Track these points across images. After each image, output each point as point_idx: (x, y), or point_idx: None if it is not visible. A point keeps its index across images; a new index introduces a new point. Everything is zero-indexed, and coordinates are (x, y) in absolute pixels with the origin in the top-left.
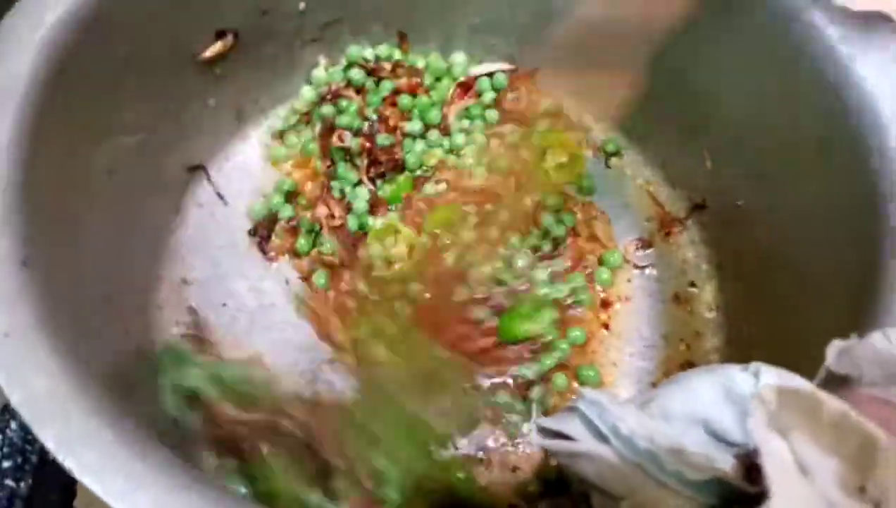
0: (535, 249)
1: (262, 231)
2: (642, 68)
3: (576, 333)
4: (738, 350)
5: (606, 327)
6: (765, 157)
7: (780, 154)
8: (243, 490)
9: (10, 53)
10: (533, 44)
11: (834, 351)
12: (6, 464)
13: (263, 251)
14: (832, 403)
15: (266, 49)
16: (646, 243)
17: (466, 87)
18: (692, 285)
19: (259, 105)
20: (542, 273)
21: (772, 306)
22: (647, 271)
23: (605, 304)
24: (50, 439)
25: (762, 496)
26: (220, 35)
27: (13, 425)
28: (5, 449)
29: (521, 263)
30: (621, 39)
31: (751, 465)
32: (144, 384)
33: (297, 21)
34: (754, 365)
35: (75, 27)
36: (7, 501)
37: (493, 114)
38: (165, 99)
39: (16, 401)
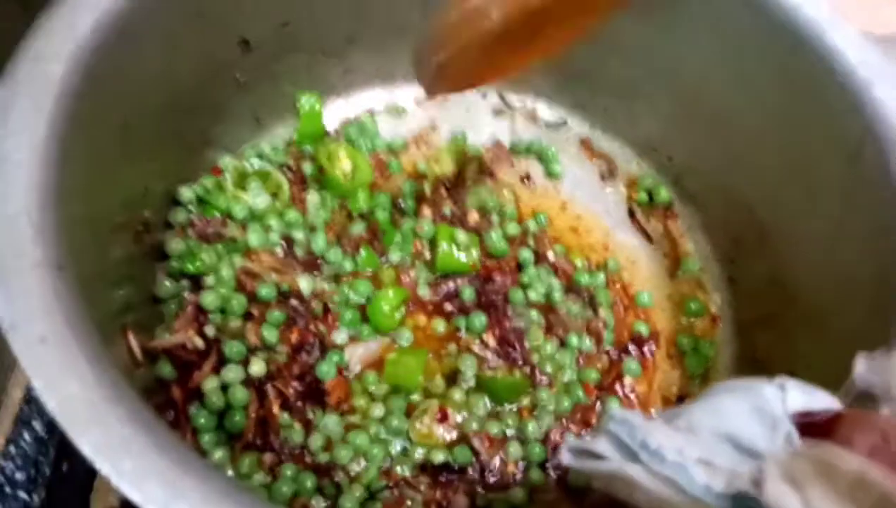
0: None
1: None
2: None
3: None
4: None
5: None
6: (786, 181)
7: (800, 178)
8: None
9: (46, 56)
10: None
11: (861, 365)
12: (19, 476)
13: None
14: (850, 460)
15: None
16: None
17: None
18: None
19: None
20: None
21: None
22: None
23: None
24: (87, 445)
25: None
26: (244, 45)
27: (26, 436)
28: (18, 461)
29: None
30: None
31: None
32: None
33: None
34: (780, 379)
35: (107, 35)
36: None
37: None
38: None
39: (52, 407)
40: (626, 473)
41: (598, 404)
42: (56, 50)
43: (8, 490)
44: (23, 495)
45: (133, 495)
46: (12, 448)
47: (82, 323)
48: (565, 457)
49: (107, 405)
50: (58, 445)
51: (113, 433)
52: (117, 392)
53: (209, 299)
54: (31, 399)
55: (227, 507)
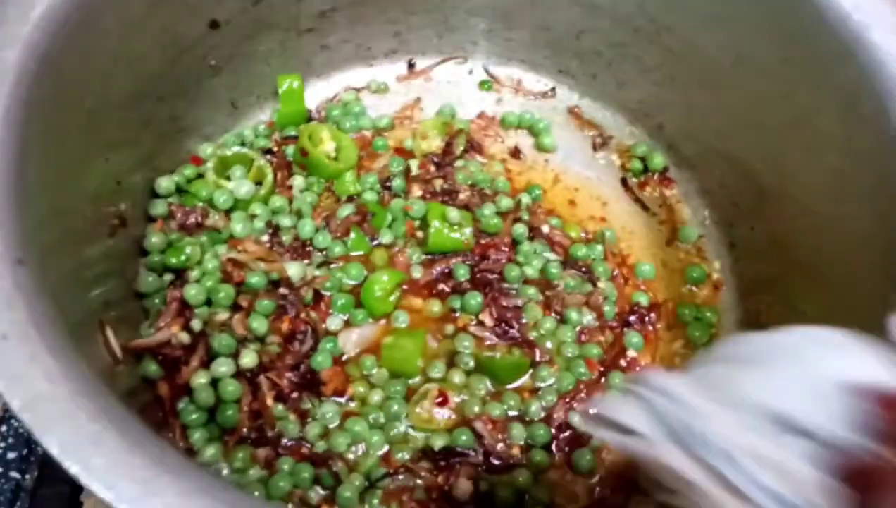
0: None
1: None
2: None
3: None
4: None
5: None
6: (784, 137)
7: (798, 133)
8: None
9: None
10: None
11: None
12: (11, 455)
13: None
14: None
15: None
16: None
17: None
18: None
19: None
20: None
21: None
22: None
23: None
24: (54, 445)
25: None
26: (213, 25)
27: None
28: (10, 440)
29: None
30: None
31: (848, 466)
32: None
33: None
34: (837, 335)
35: (62, 20)
36: (11, 494)
37: None
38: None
39: (17, 406)
40: (666, 458)
41: (603, 379)
42: (9, 34)
43: (0, 469)
44: (14, 474)
45: (104, 494)
46: (4, 428)
47: (47, 319)
48: (587, 423)
49: (75, 401)
50: None
51: (81, 429)
52: (86, 387)
53: (193, 293)
54: None
55: (205, 503)
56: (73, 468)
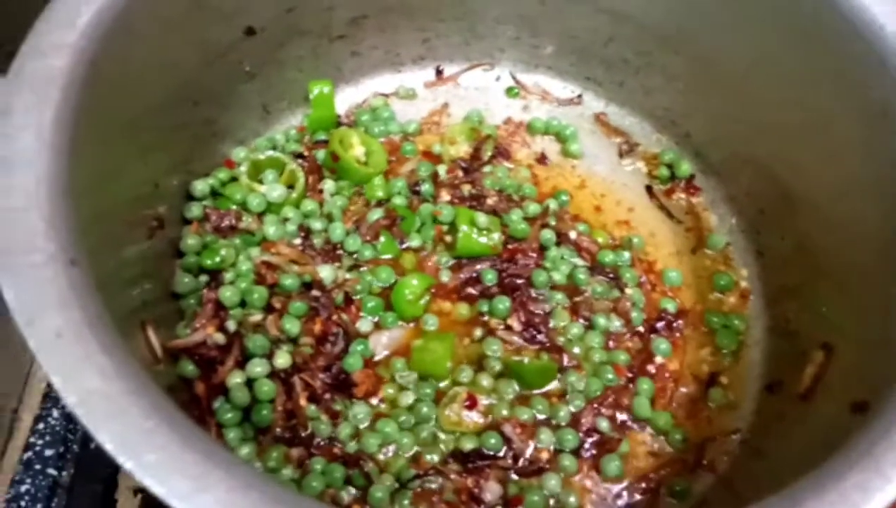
0: None
1: None
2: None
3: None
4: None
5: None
6: (809, 143)
7: (823, 138)
8: None
9: (48, 50)
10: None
11: None
12: (48, 452)
13: None
14: None
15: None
16: None
17: None
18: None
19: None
20: None
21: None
22: None
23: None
24: (108, 441)
25: None
26: (249, 32)
27: (55, 413)
28: (47, 437)
29: None
30: None
31: None
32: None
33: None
34: None
35: (106, 28)
36: (49, 490)
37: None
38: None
39: (72, 402)
40: None
41: (631, 385)
42: (58, 43)
43: (37, 466)
44: (52, 471)
45: (156, 489)
46: (41, 426)
47: (99, 318)
48: None
49: (128, 398)
50: None
51: (135, 426)
52: (138, 385)
53: (228, 295)
54: None
55: (254, 499)
56: (126, 463)
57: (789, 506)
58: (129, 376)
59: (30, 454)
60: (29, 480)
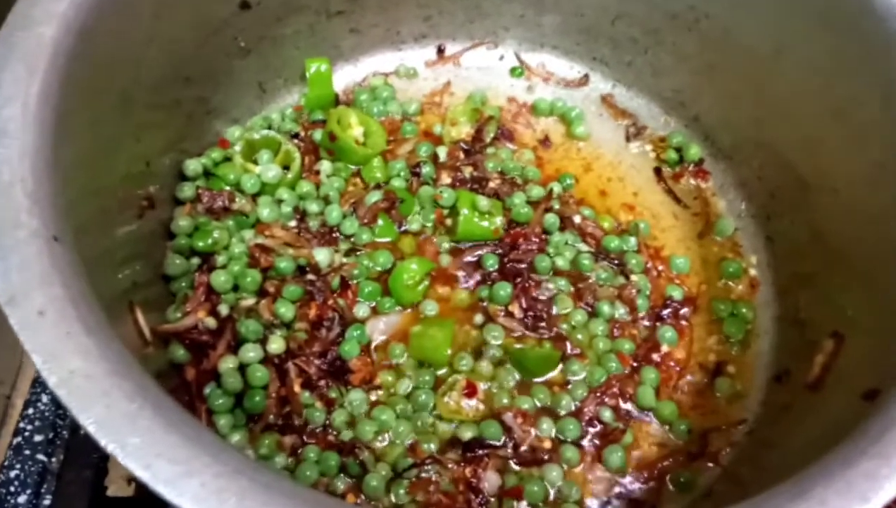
0: None
1: None
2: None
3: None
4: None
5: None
6: (826, 127)
7: (840, 123)
8: None
9: (38, 19)
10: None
11: None
12: (37, 438)
13: None
14: None
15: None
16: None
17: None
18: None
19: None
20: None
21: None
22: None
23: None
24: (90, 423)
25: None
26: (244, 6)
27: (44, 398)
28: (36, 423)
29: None
30: None
31: None
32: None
33: None
34: None
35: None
36: (38, 476)
37: None
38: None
39: (54, 383)
40: None
41: (635, 375)
42: (48, 12)
43: (27, 451)
44: (41, 457)
45: (140, 473)
46: (31, 411)
47: (83, 297)
48: None
49: (111, 379)
50: None
51: (118, 408)
52: (123, 366)
53: (221, 280)
54: None
55: (243, 485)
56: (109, 446)
57: (796, 494)
58: (113, 357)
59: (19, 439)
60: (18, 465)
